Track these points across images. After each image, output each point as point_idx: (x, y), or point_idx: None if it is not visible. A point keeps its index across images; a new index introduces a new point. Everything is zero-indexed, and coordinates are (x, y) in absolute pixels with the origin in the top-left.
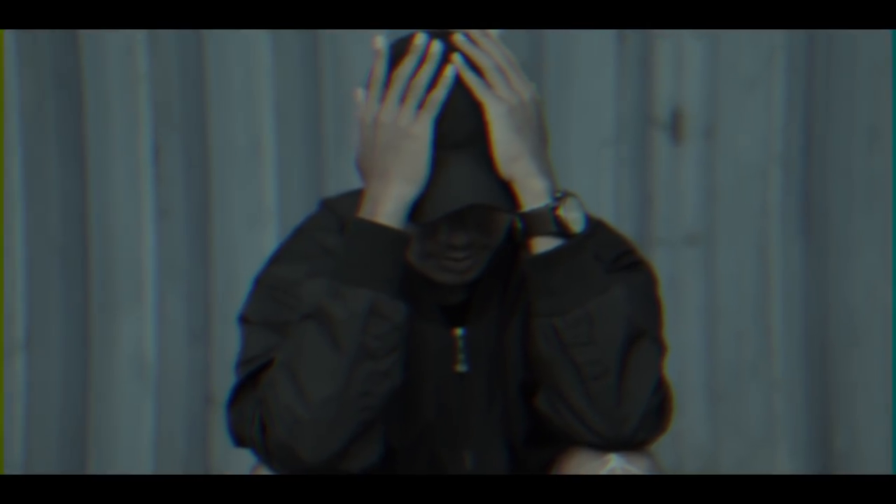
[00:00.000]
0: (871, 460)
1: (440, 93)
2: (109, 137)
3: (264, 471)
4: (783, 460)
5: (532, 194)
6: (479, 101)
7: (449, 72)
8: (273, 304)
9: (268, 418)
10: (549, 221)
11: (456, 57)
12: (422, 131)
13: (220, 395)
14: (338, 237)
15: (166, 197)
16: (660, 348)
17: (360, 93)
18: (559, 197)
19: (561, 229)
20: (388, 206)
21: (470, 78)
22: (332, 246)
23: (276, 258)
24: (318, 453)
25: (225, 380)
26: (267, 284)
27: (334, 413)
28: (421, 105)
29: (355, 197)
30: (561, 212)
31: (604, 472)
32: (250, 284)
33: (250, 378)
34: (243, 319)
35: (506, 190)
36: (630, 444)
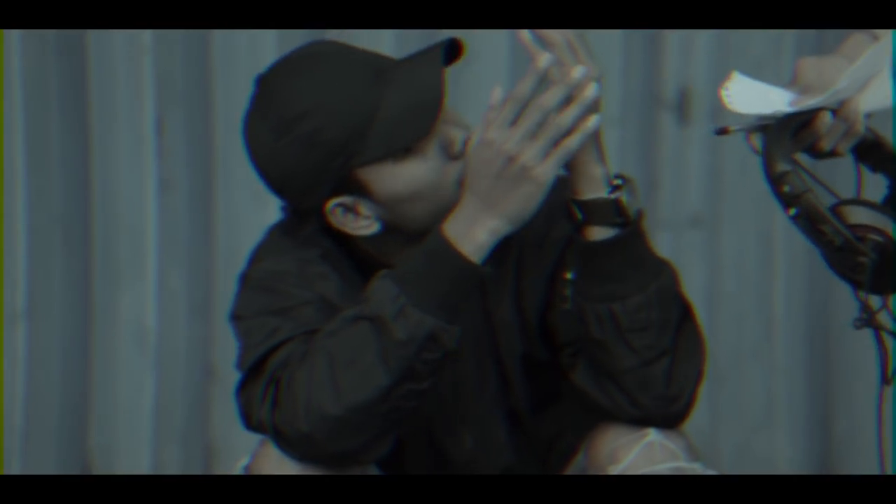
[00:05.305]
0: (870, 446)
1: (576, 141)
2: (112, 108)
3: (271, 447)
4: (782, 444)
5: (589, 181)
6: None
7: (593, 123)
8: (265, 295)
9: (288, 400)
10: (611, 212)
11: (523, 33)
12: (545, 177)
13: (221, 367)
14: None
15: (169, 169)
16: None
17: (497, 93)
18: (618, 184)
19: (623, 218)
20: (481, 237)
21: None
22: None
23: (258, 257)
24: (338, 447)
25: (226, 353)
26: (255, 279)
27: (364, 417)
28: (553, 145)
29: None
30: (624, 200)
31: (641, 444)
32: (235, 284)
33: (258, 364)
34: (235, 318)
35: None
36: (674, 422)
